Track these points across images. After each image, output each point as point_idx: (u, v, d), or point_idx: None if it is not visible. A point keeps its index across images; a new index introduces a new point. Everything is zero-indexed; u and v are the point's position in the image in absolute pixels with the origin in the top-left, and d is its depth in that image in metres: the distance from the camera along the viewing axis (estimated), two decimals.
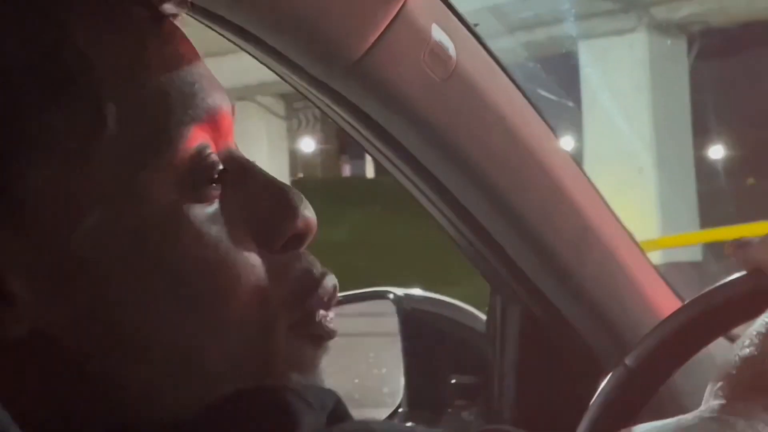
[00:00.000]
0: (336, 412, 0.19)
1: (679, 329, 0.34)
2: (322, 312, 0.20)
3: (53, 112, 0.17)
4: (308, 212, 0.20)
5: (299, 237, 0.20)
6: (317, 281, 0.20)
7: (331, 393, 0.19)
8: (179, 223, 0.18)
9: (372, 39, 0.33)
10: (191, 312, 0.18)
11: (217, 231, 0.19)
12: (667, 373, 0.35)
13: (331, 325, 0.21)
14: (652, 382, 0.34)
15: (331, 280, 0.21)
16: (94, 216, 0.17)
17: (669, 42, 4.04)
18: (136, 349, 0.18)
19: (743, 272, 0.32)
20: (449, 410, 0.55)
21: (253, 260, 0.19)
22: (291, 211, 0.20)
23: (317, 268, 0.21)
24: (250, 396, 0.17)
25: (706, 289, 0.34)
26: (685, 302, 0.36)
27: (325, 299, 0.20)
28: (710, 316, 0.33)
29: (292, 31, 0.34)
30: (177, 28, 0.21)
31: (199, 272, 0.18)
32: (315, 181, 7.02)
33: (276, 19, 0.32)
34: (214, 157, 0.19)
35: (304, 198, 0.21)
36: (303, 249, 0.21)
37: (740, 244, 0.32)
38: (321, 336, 0.21)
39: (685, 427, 0.23)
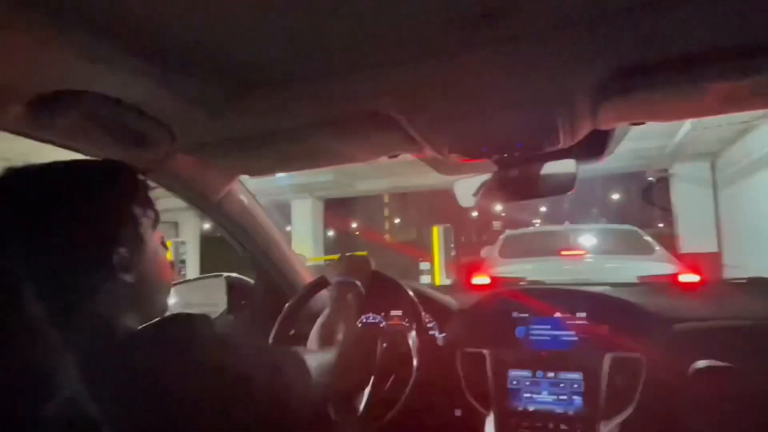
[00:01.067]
0: (211, 323, 0.65)
1: (307, 289, 1.31)
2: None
3: None
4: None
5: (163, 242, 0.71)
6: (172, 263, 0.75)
7: (204, 316, 0.63)
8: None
9: (220, 195, 1.24)
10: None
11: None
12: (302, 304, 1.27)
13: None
14: (298, 307, 1.26)
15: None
16: None
17: (317, 201, 13.04)
18: None
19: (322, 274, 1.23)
20: (238, 312, 1.59)
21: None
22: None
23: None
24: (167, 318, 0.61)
25: (317, 277, 1.32)
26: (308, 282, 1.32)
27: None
28: (315, 285, 1.30)
29: (183, 186, 1.19)
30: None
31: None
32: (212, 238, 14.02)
33: (174, 179, 1.13)
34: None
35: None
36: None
37: (327, 266, 1.25)
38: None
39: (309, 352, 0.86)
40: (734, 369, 1.12)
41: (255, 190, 1.50)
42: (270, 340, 1.26)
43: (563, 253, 4.72)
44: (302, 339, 1.07)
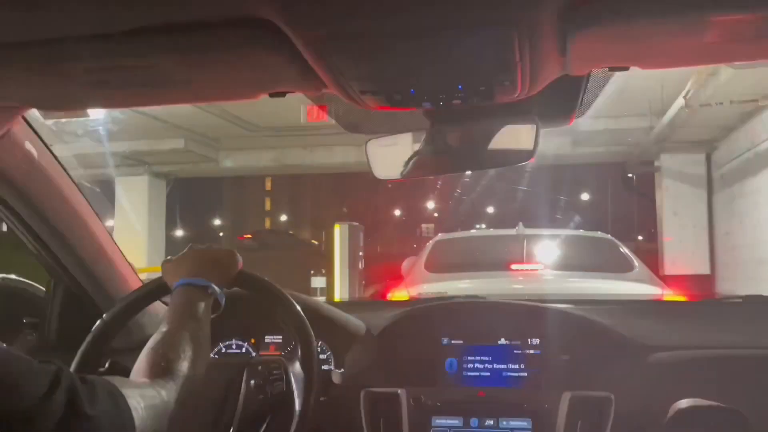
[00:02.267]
0: None
1: (132, 298, 1.31)
2: None
3: None
4: None
5: None
6: None
7: None
8: None
9: None
10: None
11: None
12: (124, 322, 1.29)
13: None
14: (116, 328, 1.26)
15: None
16: None
17: (156, 180, 12.51)
18: None
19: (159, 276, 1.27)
20: (20, 335, 1.58)
21: None
22: None
23: None
24: None
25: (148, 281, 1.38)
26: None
27: None
28: (145, 293, 1.32)
29: None
30: None
31: None
32: None
33: None
34: None
35: None
36: None
37: (165, 261, 1.26)
38: None
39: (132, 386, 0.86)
40: (726, 410, 1.25)
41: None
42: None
43: (513, 267, 4.98)
44: (121, 373, 1.03)
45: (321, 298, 8.89)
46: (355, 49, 0.92)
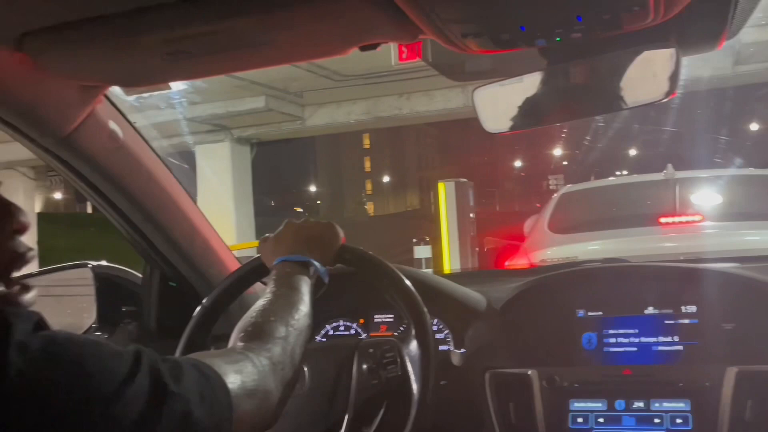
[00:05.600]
0: (39, 323, 0.70)
1: (231, 281, 1.43)
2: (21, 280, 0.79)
3: None
4: (23, 217, 0.80)
5: (19, 230, 0.80)
6: (21, 254, 0.80)
7: (35, 312, 0.70)
8: None
9: (73, 125, 1.27)
10: None
11: None
12: (224, 307, 1.41)
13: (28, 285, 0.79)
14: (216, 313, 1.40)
15: (31, 254, 0.81)
16: None
17: (239, 146, 13.02)
18: None
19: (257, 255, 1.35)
20: (120, 324, 1.73)
21: None
22: (11, 216, 0.79)
23: (23, 248, 0.80)
24: None
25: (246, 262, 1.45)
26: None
27: (25, 263, 0.82)
28: (244, 274, 1.43)
29: (18, 113, 1.22)
30: None
31: None
32: (58, 214, 29.45)
33: (6, 105, 1.20)
34: None
35: (23, 209, 0.81)
36: (21, 238, 0.80)
37: (262, 239, 1.35)
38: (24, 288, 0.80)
39: (218, 354, 0.93)
40: None
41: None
42: None
43: (663, 220, 4.78)
44: None
45: (427, 271, 8.87)
46: None
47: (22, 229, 0.82)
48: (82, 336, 0.76)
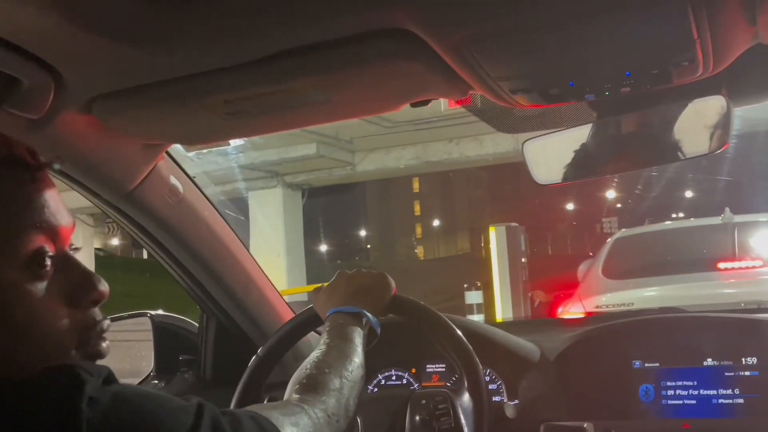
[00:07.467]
0: (109, 377, 0.71)
1: (285, 331, 1.46)
2: (98, 341, 0.77)
3: None
4: (102, 286, 0.78)
5: (96, 300, 0.78)
6: (97, 323, 0.78)
7: (105, 367, 0.71)
8: (20, 289, 0.70)
9: (137, 182, 1.35)
10: (21, 339, 0.70)
11: (42, 294, 0.72)
12: (279, 357, 1.45)
13: (104, 346, 0.78)
14: (271, 363, 1.43)
15: (105, 323, 0.79)
16: None
17: (291, 192, 13.24)
18: None
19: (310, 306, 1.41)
20: (177, 373, 1.76)
21: (62, 312, 0.74)
22: (92, 285, 0.77)
23: (99, 317, 0.78)
24: (54, 368, 0.68)
25: (299, 312, 1.48)
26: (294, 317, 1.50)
27: (101, 333, 0.78)
28: (297, 325, 1.46)
29: (84, 171, 1.28)
30: (46, 175, 0.75)
31: (27, 316, 0.70)
32: (114, 257, 28.59)
33: (73, 164, 1.25)
34: (47, 251, 0.72)
35: (101, 278, 0.78)
36: (98, 307, 0.79)
37: (315, 290, 1.41)
38: (96, 354, 0.77)
39: (275, 407, 0.91)
40: None
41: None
42: None
43: (722, 266, 4.68)
44: None
45: (478, 317, 8.81)
46: (500, 47, 0.97)
47: (100, 298, 0.82)
48: (148, 390, 0.79)
